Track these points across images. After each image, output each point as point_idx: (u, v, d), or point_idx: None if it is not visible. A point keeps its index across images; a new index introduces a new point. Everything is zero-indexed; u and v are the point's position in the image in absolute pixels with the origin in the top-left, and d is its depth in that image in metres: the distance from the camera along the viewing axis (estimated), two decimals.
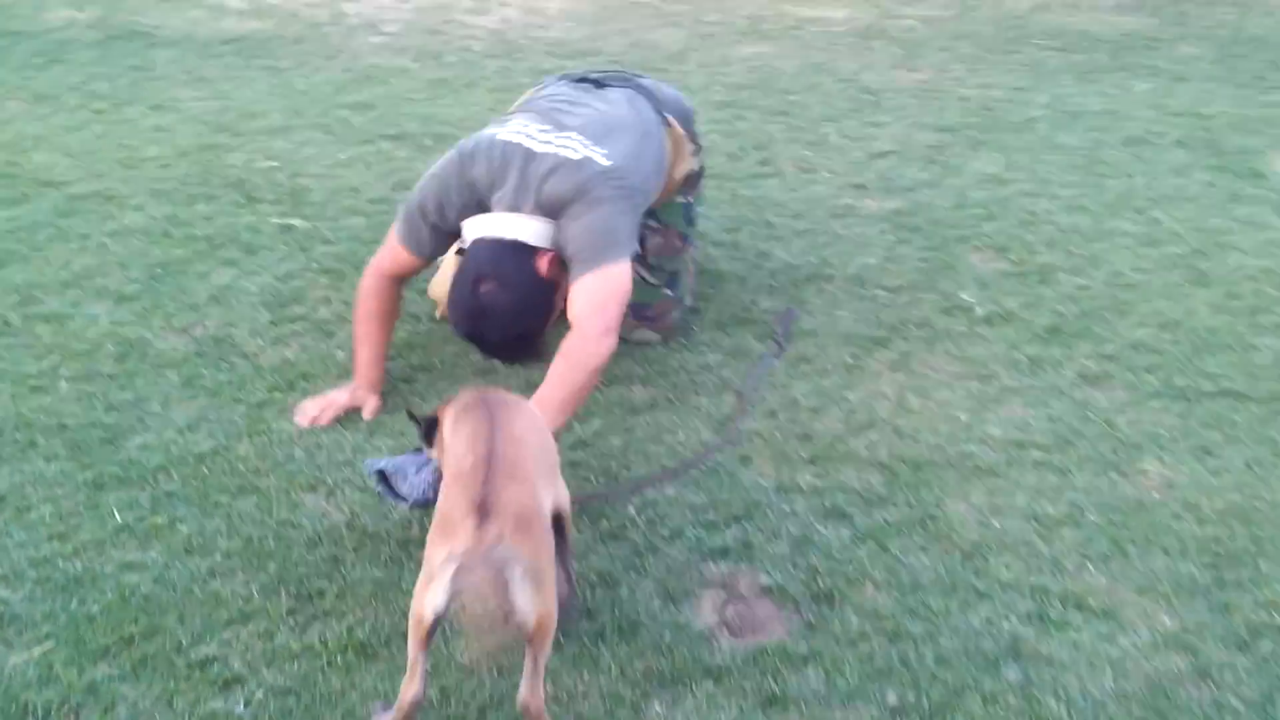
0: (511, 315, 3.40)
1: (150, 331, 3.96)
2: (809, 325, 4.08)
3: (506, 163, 3.50)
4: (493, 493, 2.41)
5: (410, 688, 2.40)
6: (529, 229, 3.43)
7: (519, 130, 3.60)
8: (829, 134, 5.76)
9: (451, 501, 2.47)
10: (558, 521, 2.70)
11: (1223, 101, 6.29)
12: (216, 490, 3.24)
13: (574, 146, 3.53)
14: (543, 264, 3.42)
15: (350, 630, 2.79)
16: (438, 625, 2.37)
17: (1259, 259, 4.58)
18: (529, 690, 2.40)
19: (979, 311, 4.19)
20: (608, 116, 3.75)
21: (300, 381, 3.72)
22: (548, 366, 3.29)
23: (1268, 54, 7.13)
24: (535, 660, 2.40)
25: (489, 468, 2.47)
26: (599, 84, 3.96)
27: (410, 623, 2.39)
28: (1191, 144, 5.72)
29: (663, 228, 3.99)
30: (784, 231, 4.76)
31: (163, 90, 6.08)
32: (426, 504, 2.86)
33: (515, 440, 2.60)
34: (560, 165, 3.46)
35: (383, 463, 3.03)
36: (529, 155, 3.49)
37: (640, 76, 4.11)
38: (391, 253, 3.66)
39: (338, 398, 3.59)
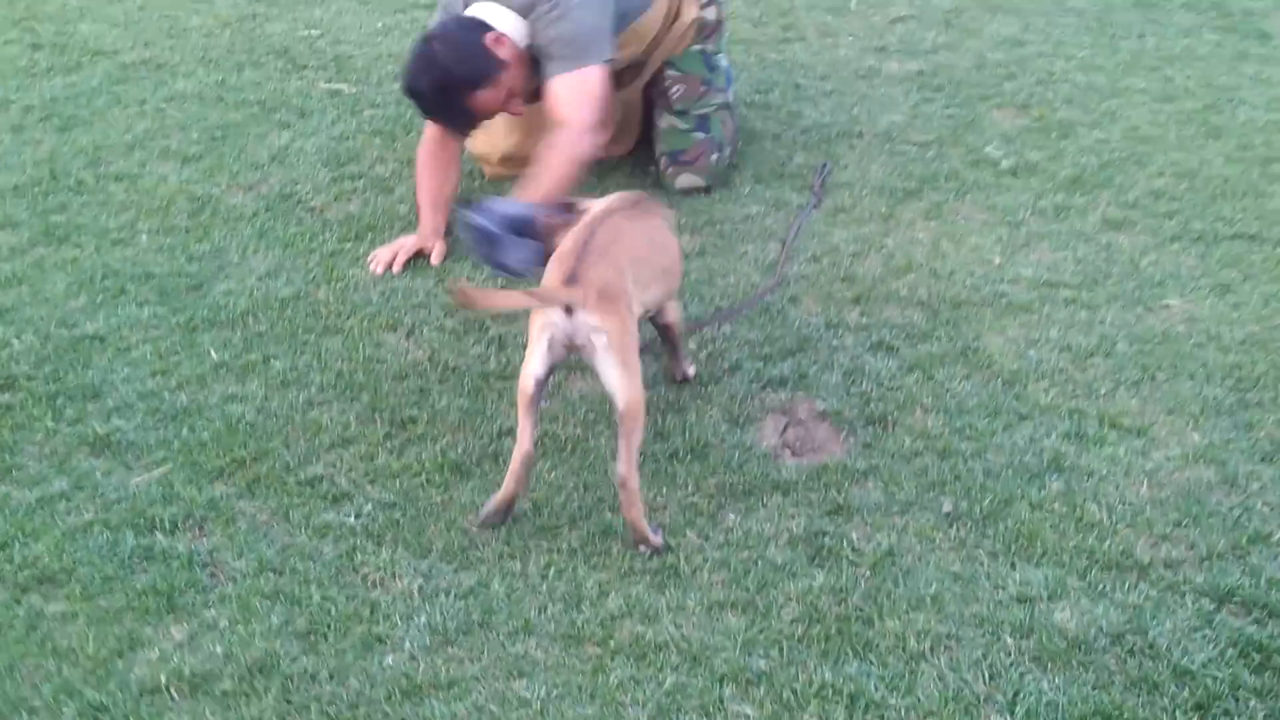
0: (444, 69, 3.67)
1: (218, 188, 4.15)
2: (843, 178, 4.28)
3: None
4: (582, 268, 2.71)
5: (520, 447, 2.75)
6: (496, 14, 3.75)
7: None
8: (848, 1, 5.91)
9: (547, 276, 2.80)
10: (667, 330, 3.10)
11: None
12: (303, 331, 3.46)
13: None
14: (491, 39, 3.70)
15: (443, 452, 3.02)
16: (540, 390, 2.73)
17: (1268, 113, 4.78)
18: (626, 467, 2.69)
19: (1004, 164, 4.39)
20: None
21: (367, 233, 3.92)
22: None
23: None
24: (628, 441, 2.69)
25: (584, 249, 2.77)
26: None
27: (518, 392, 2.74)
28: (1198, 7, 5.89)
29: (683, 75, 4.21)
30: (812, 92, 4.94)
31: None
32: (520, 275, 3.12)
33: (615, 230, 2.87)
34: None
35: (493, 227, 3.11)
36: None
37: None
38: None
39: (406, 241, 3.80)
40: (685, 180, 4.16)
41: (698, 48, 4.25)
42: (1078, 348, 3.44)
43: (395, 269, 3.74)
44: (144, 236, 3.87)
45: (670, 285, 3.07)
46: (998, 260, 3.83)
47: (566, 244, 2.83)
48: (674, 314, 3.14)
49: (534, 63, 3.80)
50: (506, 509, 2.80)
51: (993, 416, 3.17)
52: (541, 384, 2.73)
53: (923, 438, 3.10)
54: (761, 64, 5.14)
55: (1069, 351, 3.43)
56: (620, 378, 2.68)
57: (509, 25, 3.75)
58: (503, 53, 3.72)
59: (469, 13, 3.79)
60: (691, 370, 3.29)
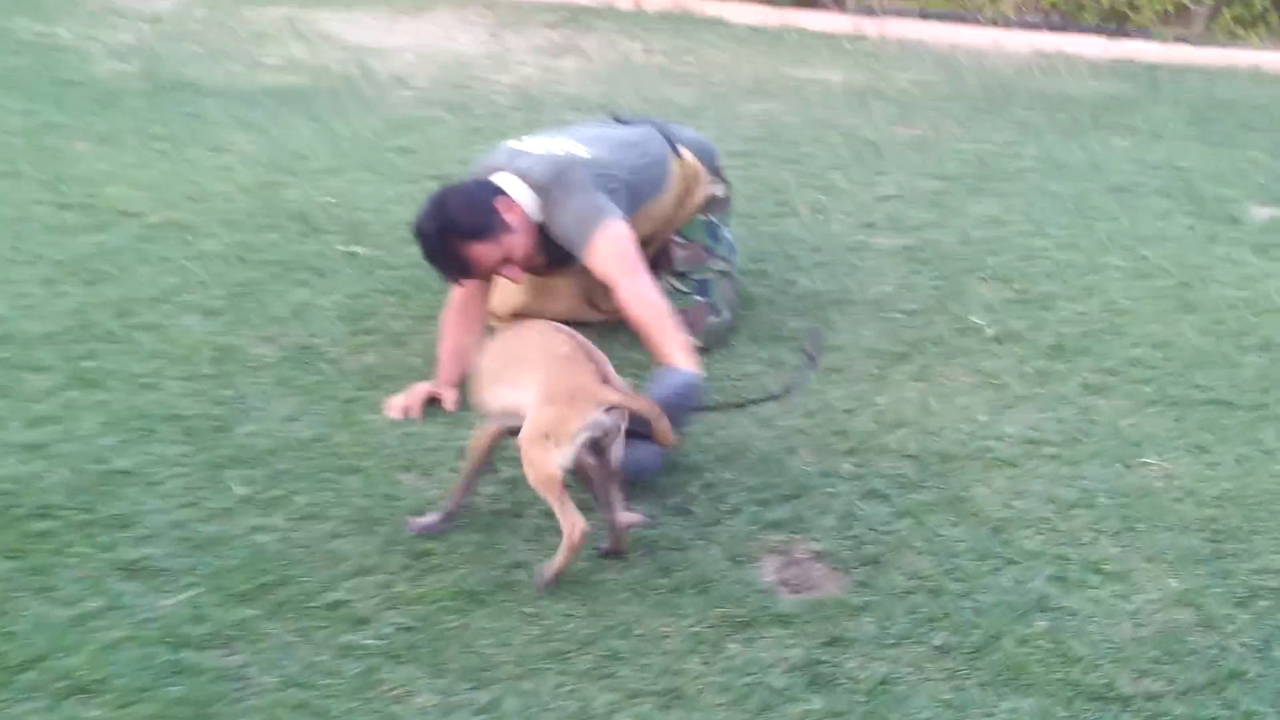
0: (449, 216, 3.95)
1: (241, 340, 4.35)
2: (836, 341, 4.50)
3: (511, 155, 4.20)
4: (607, 371, 3.21)
5: (576, 524, 3.13)
6: (512, 184, 4.06)
7: (525, 137, 4.34)
8: (837, 180, 6.21)
9: (567, 378, 3.21)
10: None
11: (1197, 157, 6.78)
12: (323, 470, 3.62)
13: (563, 145, 4.19)
14: (502, 203, 4.00)
15: (459, 581, 3.17)
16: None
17: (1239, 290, 5.04)
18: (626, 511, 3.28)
19: (989, 331, 4.62)
20: (607, 133, 4.39)
21: (383, 382, 4.11)
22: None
23: (1236, 116, 7.65)
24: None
25: (587, 353, 3.26)
26: (622, 121, 4.59)
27: (545, 485, 3.15)
28: (1171, 193, 6.19)
29: (688, 242, 4.49)
30: (805, 263, 5.20)
31: (217, 133, 6.49)
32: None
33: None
34: (545, 157, 4.13)
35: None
36: (521, 153, 4.18)
37: (665, 122, 4.63)
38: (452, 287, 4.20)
39: (422, 388, 4.00)
40: None
41: (704, 218, 4.51)
42: (1061, 500, 3.62)
43: (414, 414, 3.92)
44: (171, 382, 4.05)
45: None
46: (983, 419, 4.03)
47: (560, 349, 3.29)
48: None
49: (544, 240, 4.05)
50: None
51: (981, 560, 3.34)
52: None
53: (915, 578, 3.26)
54: (756, 236, 5.39)
55: (1053, 503, 3.61)
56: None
57: (523, 197, 4.02)
58: (510, 218, 3.97)
59: (490, 178, 4.06)
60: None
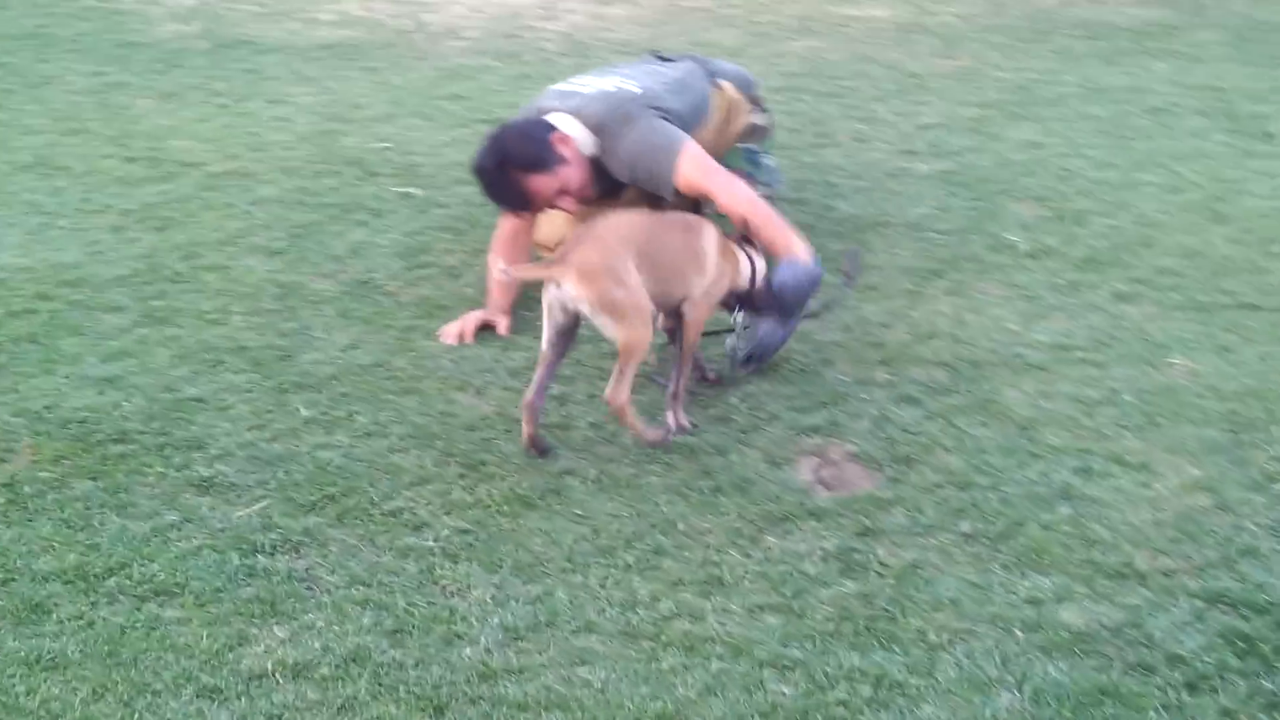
0: (506, 150, 4.16)
1: (302, 277, 4.56)
2: (874, 261, 4.65)
3: (562, 96, 4.38)
4: (569, 251, 3.49)
5: (524, 396, 3.65)
6: (566, 122, 4.23)
7: (573, 79, 4.55)
8: (879, 111, 6.34)
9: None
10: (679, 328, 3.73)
11: (1237, 78, 6.85)
12: (382, 392, 3.83)
13: (613, 82, 4.37)
14: (557, 137, 4.18)
15: (512, 487, 3.37)
16: (556, 351, 3.57)
17: (1271, 200, 5.14)
18: (612, 390, 3.52)
19: (1023, 247, 4.76)
20: (653, 68, 4.57)
21: (438, 311, 4.31)
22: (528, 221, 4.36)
23: (1278, 37, 7.68)
24: (620, 369, 3.49)
25: (580, 237, 3.56)
26: (664, 59, 4.74)
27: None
28: (1209, 112, 6.28)
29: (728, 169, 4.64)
30: (845, 189, 5.35)
31: (275, 87, 6.70)
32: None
33: (622, 223, 3.63)
34: (597, 95, 4.30)
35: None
36: (571, 93, 4.38)
37: (705, 59, 4.79)
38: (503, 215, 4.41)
39: (474, 315, 4.20)
40: None
41: (743, 145, 4.67)
42: (1087, 399, 3.77)
43: (468, 339, 4.12)
44: (237, 317, 4.27)
45: (676, 288, 3.65)
46: (1015, 327, 4.18)
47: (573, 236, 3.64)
48: (690, 315, 3.71)
49: (598, 172, 4.22)
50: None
51: (1008, 455, 3.50)
52: (555, 345, 3.55)
53: (944, 473, 3.43)
54: (798, 166, 5.54)
55: (1079, 403, 3.76)
56: (613, 329, 3.48)
57: (577, 132, 4.20)
58: (565, 151, 4.15)
59: (544, 118, 4.24)
60: (711, 374, 3.92)
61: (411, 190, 5.33)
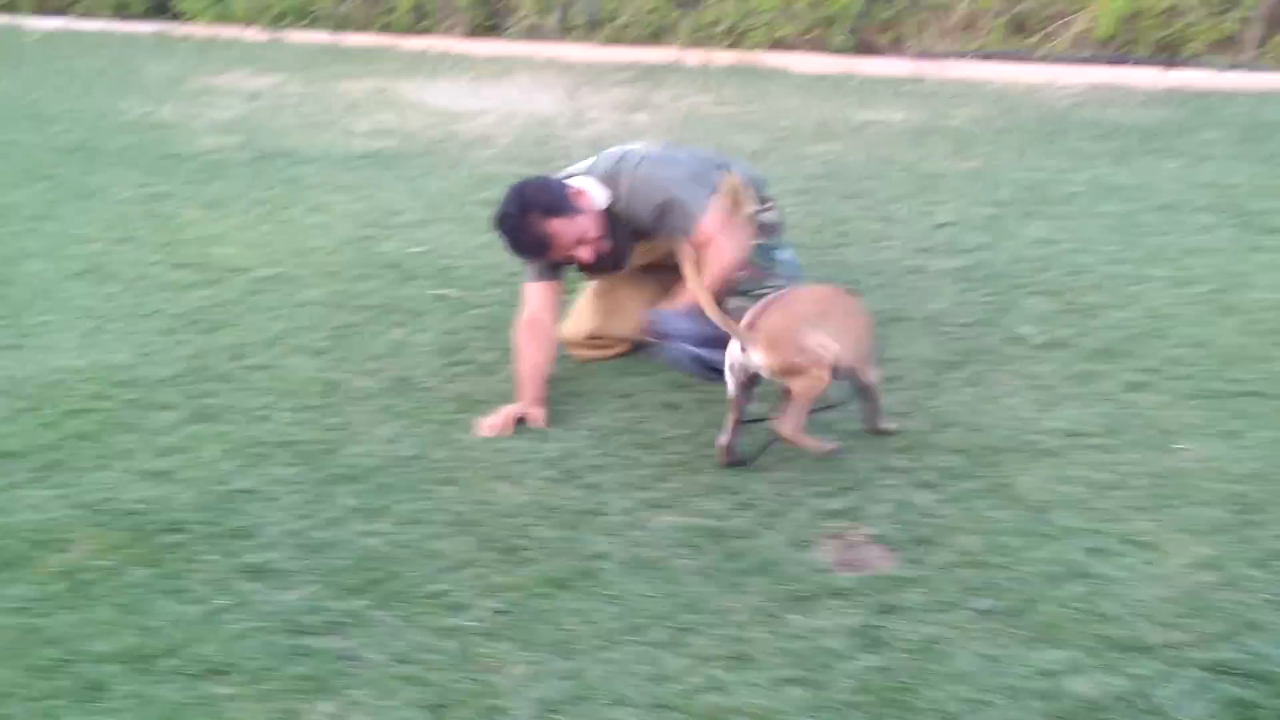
0: (526, 195, 4.44)
1: (345, 375, 4.77)
2: (894, 354, 4.83)
3: (566, 171, 4.69)
4: (758, 319, 3.93)
5: (719, 440, 4.11)
6: (579, 179, 4.54)
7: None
8: (896, 211, 6.55)
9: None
10: (863, 390, 4.19)
11: (1243, 175, 7.04)
12: (423, 482, 4.02)
13: (618, 151, 4.65)
14: (573, 189, 4.46)
15: (547, 570, 3.54)
16: (742, 396, 4.04)
17: (1276, 293, 5.30)
18: (785, 424, 3.91)
19: (1037, 340, 4.93)
20: (662, 147, 4.79)
21: (475, 406, 4.50)
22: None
23: None
24: (793, 407, 3.89)
25: (766, 306, 3.98)
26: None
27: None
28: (1216, 209, 6.46)
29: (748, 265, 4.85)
30: (866, 285, 5.54)
31: (315, 195, 6.97)
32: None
33: (794, 297, 4.04)
34: (601, 156, 4.64)
35: (692, 348, 4.19)
36: (573, 167, 4.69)
37: (717, 152, 5.04)
38: (525, 291, 4.66)
39: (510, 409, 4.39)
40: None
41: (757, 242, 4.87)
42: (1099, 483, 3.92)
43: (507, 433, 4.31)
44: (283, 414, 4.47)
45: (855, 350, 4.01)
46: (1029, 415, 4.34)
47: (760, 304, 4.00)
48: (868, 376, 4.14)
49: (613, 228, 4.52)
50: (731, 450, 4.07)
51: (1023, 536, 3.66)
52: (741, 392, 4.02)
53: (961, 554, 3.59)
54: (820, 264, 5.74)
55: (1091, 486, 3.91)
56: (790, 384, 3.89)
57: (590, 186, 4.50)
58: (580, 202, 4.44)
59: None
60: (891, 426, 4.28)
61: (447, 292, 5.54)
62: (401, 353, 4.96)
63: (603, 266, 4.66)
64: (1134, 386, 4.55)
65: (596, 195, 4.49)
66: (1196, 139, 7.91)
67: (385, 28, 11.82)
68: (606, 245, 4.54)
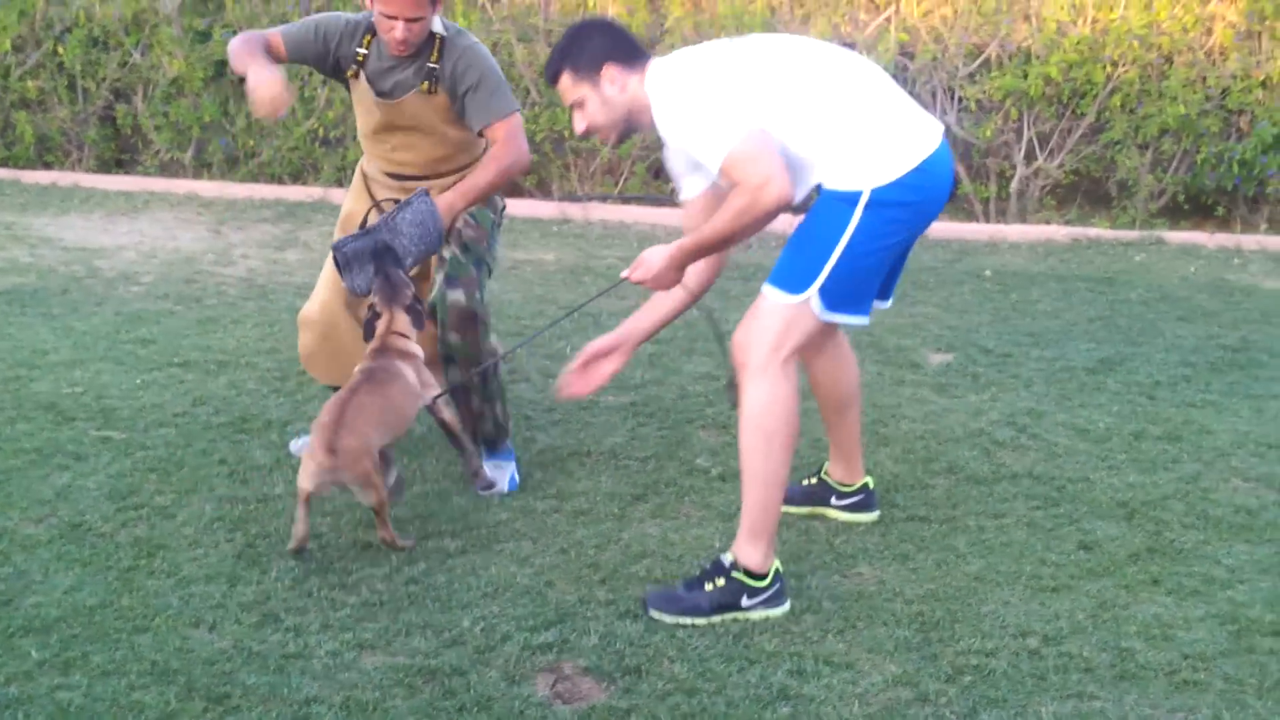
0: None
1: (11, 522, 4.51)
2: (579, 489, 4.93)
3: None
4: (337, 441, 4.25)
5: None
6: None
7: None
8: (563, 347, 6.68)
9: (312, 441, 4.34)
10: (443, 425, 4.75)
11: (879, 315, 7.47)
12: (114, 631, 3.83)
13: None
14: None
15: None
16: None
17: (925, 424, 5.69)
18: (383, 530, 4.34)
19: (714, 472, 5.12)
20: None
21: (157, 551, 4.34)
22: None
23: (908, 277, 8.42)
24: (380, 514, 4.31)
25: (337, 424, 4.29)
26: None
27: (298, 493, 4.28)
28: (858, 345, 6.78)
29: (476, 223, 4.99)
30: (542, 422, 5.64)
31: None
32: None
33: (358, 406, 4.36)
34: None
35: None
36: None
37: None
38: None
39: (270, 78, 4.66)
40: (454, 296, 4.80)
41: (491, 215, 4.97)
42: (792, 607, 4.09)
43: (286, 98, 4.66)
44: None
45: (402, 422, 4.57)
46: (718, 544, 4.49)
47: (324, 417, 4.30)
48: (444, 414, 4.72)
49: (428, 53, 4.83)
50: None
51: (728, 662, 3.78)
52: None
53: (672, 681, 3.68)
54: None
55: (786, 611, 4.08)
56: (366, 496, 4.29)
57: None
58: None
59: None
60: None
61: (111, 434, 5.32)
62: (70, 497, 4.73)
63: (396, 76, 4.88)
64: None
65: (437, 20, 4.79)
66: None
67: (7, 161, 11.33)
68: (417, 39, 4.74)
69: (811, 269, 4.03)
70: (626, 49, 4.13)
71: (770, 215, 3.90)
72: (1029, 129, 10.28)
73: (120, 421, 5.48)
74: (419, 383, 4.62)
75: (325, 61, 4.92)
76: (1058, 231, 9.84)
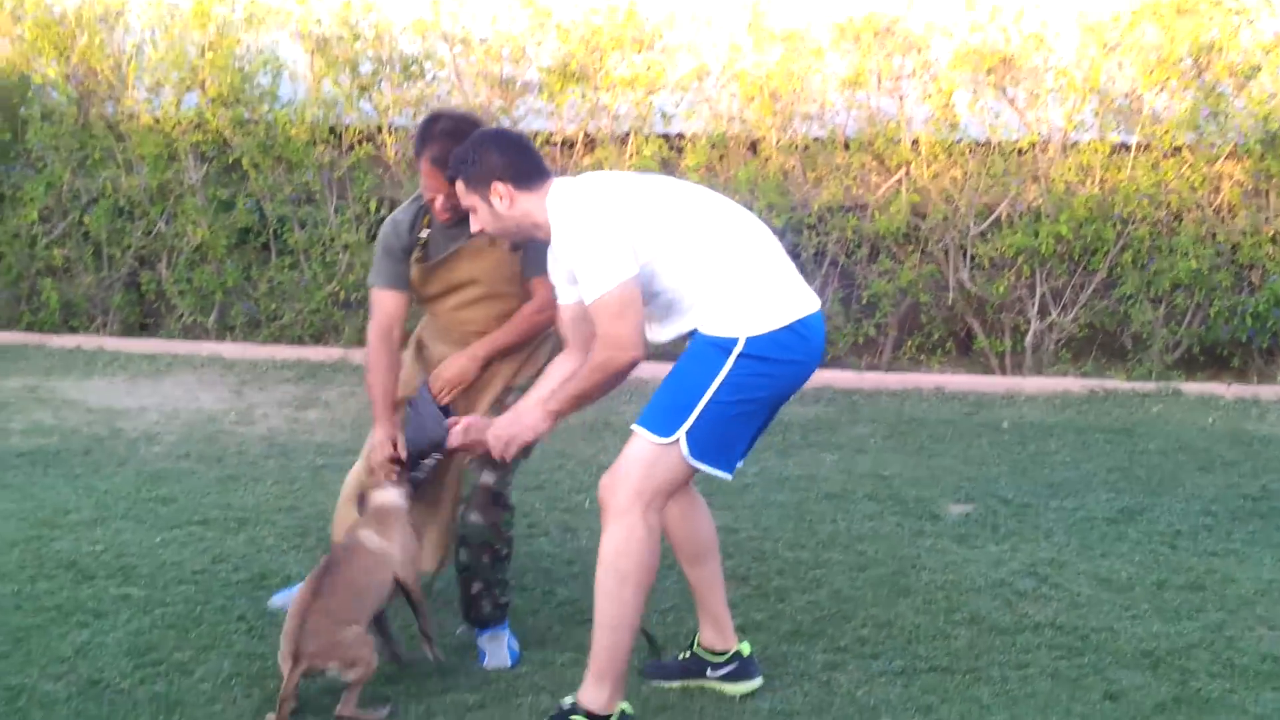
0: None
1: (30, 679, 4.50)
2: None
3: None
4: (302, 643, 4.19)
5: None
6: None
7: None
8: (581, 501, 6.70)
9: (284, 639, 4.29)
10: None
11: (898, 466, 7.53)
12: None
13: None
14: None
15: None
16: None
17: (945, 574, 5.67)
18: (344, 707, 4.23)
19: (735, 622, 5.08)
20: None
21: (177, 708, 4.32)
22: None
23: (926, 429, 8.48)
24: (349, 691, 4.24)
25: (301, 625, 4.22)
26: None
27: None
28: (878, 497, 6.88)
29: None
30: (561, 575, 5.68)
31: None
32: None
33: (326, 592, 4.30)
34: None
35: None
36: None
37: None
38: (375, 298, 5.00)
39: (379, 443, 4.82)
40: (486, 479, 4.82)
41: None
42: None
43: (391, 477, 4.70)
44: None
45: (382, 587, 4.47)
46: (738, 700, 4.45)
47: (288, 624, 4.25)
48: (408, 579, 4.57)
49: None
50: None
51: None
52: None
53: None
54: (517, 555, 5.79)
55: None
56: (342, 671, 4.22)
57: None
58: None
59: None
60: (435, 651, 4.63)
61: (130, 591, 5.33)
62: (89, 654, 4.73)
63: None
64: (830, 665, 4.75)
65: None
66: (849, 432, 8.43)
67: (32, 326, 11.47)
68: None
69: (681, 411, 4.12)
70: (523, 169, 4.23)
71: (623, 374, 4.10)
72: (1042, 284, 10.35)
73: (140, 579, 5.49)
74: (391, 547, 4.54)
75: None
76: (1074, 384, 9.85)
